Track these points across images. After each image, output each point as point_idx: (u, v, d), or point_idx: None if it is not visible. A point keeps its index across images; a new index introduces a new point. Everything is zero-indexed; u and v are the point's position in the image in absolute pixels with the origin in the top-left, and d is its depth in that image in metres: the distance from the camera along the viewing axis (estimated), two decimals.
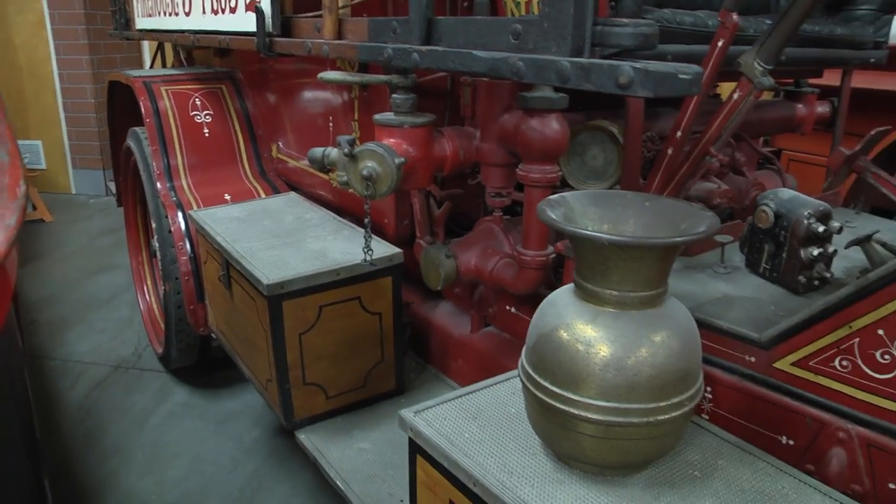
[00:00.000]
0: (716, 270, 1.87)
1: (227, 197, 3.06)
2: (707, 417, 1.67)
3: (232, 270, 2.33)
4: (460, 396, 1.54)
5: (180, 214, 2.98)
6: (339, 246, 2.31)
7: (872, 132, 1.51)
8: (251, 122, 3.35)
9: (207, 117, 3.28)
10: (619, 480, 1.28)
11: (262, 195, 3.09)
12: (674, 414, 1.19)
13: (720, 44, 1.56)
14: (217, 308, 2.68)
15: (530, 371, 1.28)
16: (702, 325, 1.64)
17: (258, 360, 2.29)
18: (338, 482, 2.02)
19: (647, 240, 1.14)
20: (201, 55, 3.93)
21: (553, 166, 1.73)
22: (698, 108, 1.67)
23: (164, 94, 3.27)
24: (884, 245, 1.73)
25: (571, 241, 1.25)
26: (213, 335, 2.90)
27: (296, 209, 2.72)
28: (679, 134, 1.64)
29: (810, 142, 3.38)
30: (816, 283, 1.75)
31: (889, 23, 2.54)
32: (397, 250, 2.24)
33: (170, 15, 3.42)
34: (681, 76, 1.13)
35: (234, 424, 3.19)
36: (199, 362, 3.46)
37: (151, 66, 5.11)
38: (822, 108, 2.67)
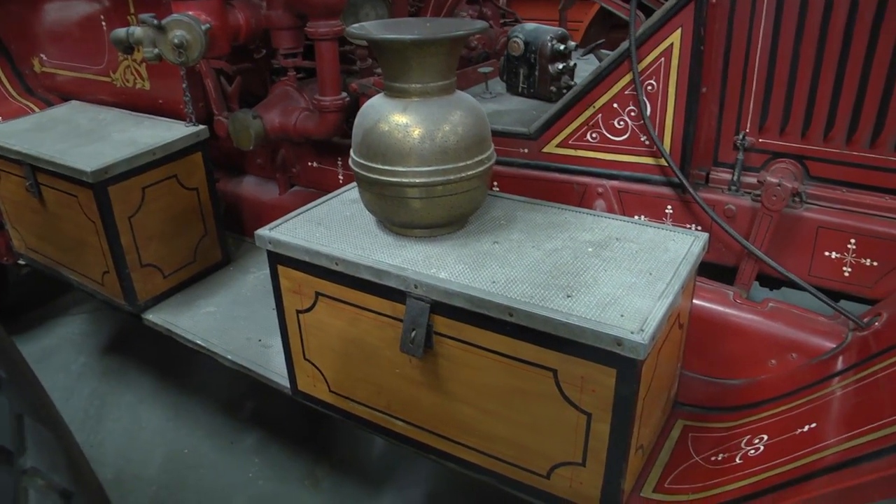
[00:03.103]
0: (483, 97, 2.29)
1: None
2: None
3: (41, 176, 2.35)
4: (302, 213, 1.83)
5: None
6: (146, 132, 2.41)
7: None
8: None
9: None
10: (447, 236, 1.66)
11: (38, 111, 3.01)
12: (479, 169, 1.58)
13: None
14: (25, 227, 2.65)
15: (361, 160, 1.60)
16: None
17: (89, 258, 2.37)
18: (198, 341, 2.22)
19: (439, 34, 1.49)
20: None
21: (336, 20, 2.02)
22: None
23: None
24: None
25: (379, 50, 1.56)
26: (21, 261, 2.85)
27: (86, 113, 2.74)
28: None
29: (544, 10, 3.95)
30: (565, 90, 2.23)
31: None
32: (202, 126, 2.41)
33: None
34: None
35: (57, 358, 3.18)
36: None
37: None
38: None
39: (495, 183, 2.09)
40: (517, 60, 2.19)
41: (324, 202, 1.88)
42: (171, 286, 2.44)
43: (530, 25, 2.19)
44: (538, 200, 1.82)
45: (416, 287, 1.50)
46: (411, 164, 1.54)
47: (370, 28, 1.62)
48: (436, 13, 2.04)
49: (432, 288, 1.47)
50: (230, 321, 2.30)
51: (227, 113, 2.40)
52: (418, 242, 1.64)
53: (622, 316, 1.34)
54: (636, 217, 1.98)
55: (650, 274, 1.47)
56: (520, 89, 2.24)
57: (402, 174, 1.54)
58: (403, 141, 1.53)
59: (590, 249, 1.57)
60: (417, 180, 1.54)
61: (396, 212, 1.62)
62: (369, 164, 1.58)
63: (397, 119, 1.54)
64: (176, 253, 2.42)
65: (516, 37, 2.17)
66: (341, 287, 1.65)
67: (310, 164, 2.41)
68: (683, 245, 1.59)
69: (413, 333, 1.53)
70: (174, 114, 2.57)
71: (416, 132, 1.53)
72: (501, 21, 3.01)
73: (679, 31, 1.78)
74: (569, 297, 1.40)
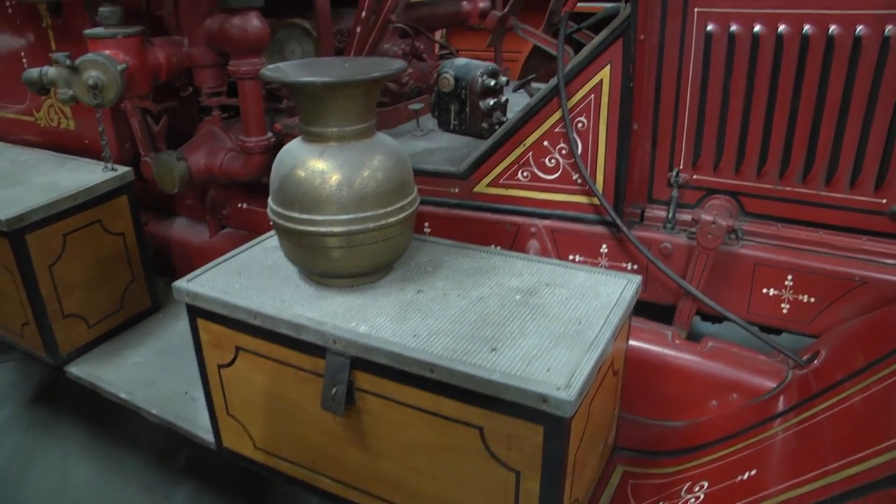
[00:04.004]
0: (414, 135, 2.24)
1: None
2: None
3: None
4: (222, 262, 1.74)
5: None
6: (68, 175, 2.31)
7: None
8: None
9: None
10: (369, 286, 1.59)
11: None
12: (401, 216, 1.52)
13: None
14: None
15: (278, 208, 1.52)
16: None
17: (7, 308, 2.24)
18: (122, 395, 2.11)
19: (354, 77, 1.43)
20: None
21: (259, 59, 1.95)
22: None
23: None
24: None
25: (293, 93, 1.50)
26: None
27: (6, 154, 2.62)
28: (363, 14, 1.95)
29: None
30: (497, 126, 2.19)
31: None
32: (127, 168, 2.31)
33: None
34: None
35: None
36: None
37: None
38: (484, 4, 3.16)
39: (426, 224, 2.02)
40: (448, 96, 2.15)
41: (246, 249, 1.79)
42: (96, 336, 2.32)
43: (461, 60, 2.14)
44: (466, 244, 1.76)
45: (335, 342, 1.42)
46: (329, 212, 1.47)
47: (286, 69, 1.56)
48: (360, 50, 1.99)
49: (352, 343, 1.40)
50: (157, 372, 2.19)
51: (153, 154, 2.31)
52: (340, 293, 1.56)
53: (548, 370, 1.27)
54: (571, 256, 1.93)
55: (580, 323, 1.42)
56: (451, 126, 2.19)
57: (320, 223, 1.47)
58: (321, 188, 1.46)
59: (517, 297, 1.51)
60: (336, 229, 1.47)
61: (316, 262, 1.54)
62: (286, 212, 1.51)
63: (314, 165, 1.47)
64: (101, 301, 2.31)
65: (446, 72, 2.12)
66: (261, 341, 1.57)
67: (240, 205, 2.33)
68: (616, 289, 1.54)
69: (334, 390, 1.45)
70: (100, 151, 2.47)
71: (334, 178, 1.46)
72: (439, 54, 2.97)
73: (608, 67, 1.75)
74: (493, 350, 1.33)
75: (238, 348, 1.63)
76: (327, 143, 1.49)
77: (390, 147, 1.54)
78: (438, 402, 1.35)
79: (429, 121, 2.28)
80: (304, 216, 1.48)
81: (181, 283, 1.65)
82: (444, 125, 2.22)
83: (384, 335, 1.39)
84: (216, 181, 2.22)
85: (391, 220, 1.50)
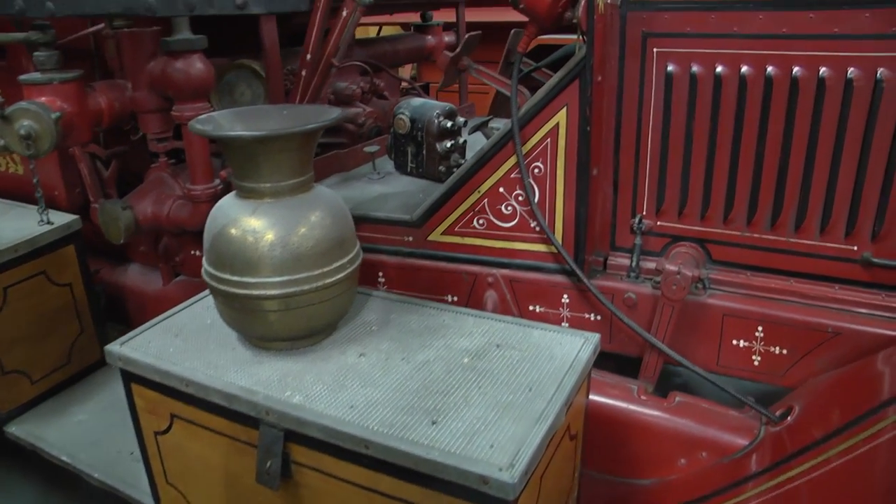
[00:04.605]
0: (370, 178, 2.15)
1: None
2: None
3: None
4: (161, 321, 1.64)
5: None
6: (11, 224, 2.21)
7: (466, 36, 1.87)
8: None
9: None
10: (309, 349, 1.49)
11: None
12: (340, 276, 1.43)
13: None
14: None
15: (212, 270, 1.43)
16: (362, 219, 1.92)
17: None
18: (63, 457, 2.00)
19: (284, 130, 1.34)
20: None
21: (204, 103, 1.87)
22: (335, 30, 1.89)
23: None
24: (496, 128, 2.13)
25: (223, 146, 1.41)
26: None
27: None
28: (308, 56, 1.87)
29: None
30: (455, 169, 2.10)
31: None
32: (74, 216, 2.22)
33: None
34: None
35: None
36: None
37: None
38: (449, 38, 3.10)
39: (380, 274, 1.93)
40: (404, 138, 2.06)
41: (186, 307, 1.70)
42: (40, 392, 2.21)
43: (417, 101, 2.06)
44: (416, 299, 1.66)
45: (268, 414, 1.32)
46: (263, 273, 1.37)
47: (218, 120, 1.47)
48: (304, 94, 1.90)
49: (284, 416, 1.30)
50: (103, 430, 2.08)
51: (103, 200, 2.22)
52: (277, 357, 1.47)
53: (492, 447, 1.17)
54: (531, 307, 1.84)
55: (530, 390, 1.32)
56: (409, 169, 2.10)
57: (253, 286, 1.38)
58: (254, 248, 1.37)
59: (465, 360, 1.41)
60: (271, 292, 1.37)
61: (251, 325, 1.45)
62: (218, 273, 1.41)
63: (247, 223, 1.38)
64: (46, 355, 2.21)
65: (402, 113, 2.04)
66: (196, 409, 1.46)
67: (193, 252, 2.23)
68: (572, 349, 1.44)
69: (269, 464, 1.34)
70: (51, 201, 2.38)
71: (268, 237, 1.36)
72: (405, 90, 2.90)
73: (564, 110, 1.67)
74: (434, 423, 1.23)
75: (173, 416, 1.53)
76: (261, 199, 1.40)
77: (329, 201, 1.45)
78: (377, 478, 1.25)
79: (387, 163, 2.20)
80: (237, 278, 1.38)
81: (114, 347, 1.55)
82: (401, 168, 2.13)
83: (319, 407, 1.29)
84: (164, 230, 2.13)
85: (330, 280, 1.41)
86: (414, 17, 3.14)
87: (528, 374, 1.37)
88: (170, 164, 2.10)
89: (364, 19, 2.37)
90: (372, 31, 3.87)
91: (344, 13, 1.82)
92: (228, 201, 1.44)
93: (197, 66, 1.82)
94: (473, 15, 3.21)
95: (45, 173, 2.34)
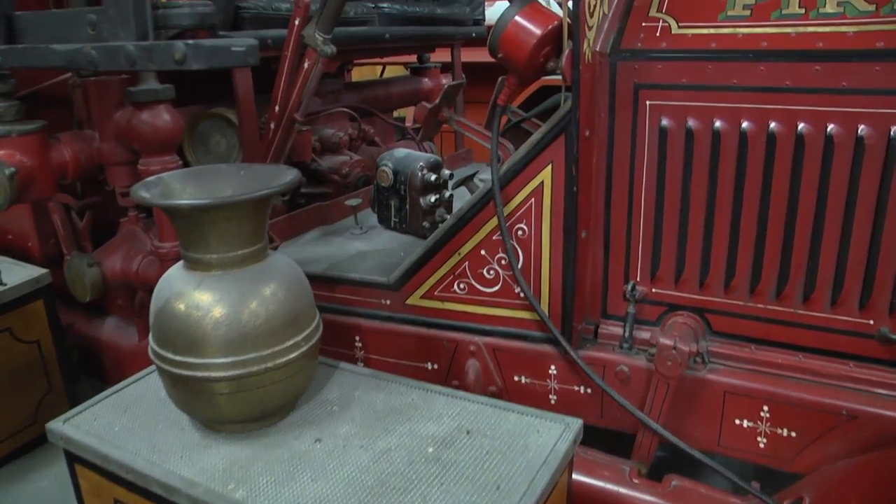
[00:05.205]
0: (352, 233, 2.03)
1: None
2: (361, 364, 1.82)
3: None
4: (112, 394, 1.53)
5: None
6: None
7: (446, 86, 1.75)
8: None
9: None
10: (262, 432, 1.36)
11: None
12: (292, 355, 1.30)
13: (297, 22, 1.70)
14: None
15: (155, 347, 1.31)
16: (338, 280, 1.79)
17: None
18: None
19: (228, 199, 1.22)
20: None
21: (171, 156, 1.76)
22: (297, 83, 1.79)
23: None
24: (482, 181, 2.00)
25: (167, 214, 1.29)
26: None
27: None
28: (277, 108, 1.76)
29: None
30: (440, 225, 1.97)
31: (482, 3, 2.91)
32: (43, 271, 2.12)
33: None
34: (234, 49, 1.22)
35: None
36: None
37: None
38: (446, 80, 2.98)
39: (357, 338, 1.80)
40: (387, 191, 1.94)
41: (140, 379, 1.58)
42: (4, 454, 2.10)
43: (401, 152, 1.94)
44: (385, 375, 1.52)
45: None
46: (208, 353, 1.25)
47: (168, 181, 1.36)
48: (268, 149, 1.78)
49: None
50: (63, 499, 1.95)
51: (77, 252, 2.12)
52: (227, 441, 1.33)
53: None
54: (516, 378, 1.70)
55: (497, 488, 1.17)
56: (392, 223, 1.98)
57: (198, 367, 1.25)
58: (198, 325, 1.24)
59: (430, 450, 1.27)
60: (217, 374, 1.25)
61: (198, 408, 1.32)
62: (162, 351, 1.29)
63: (191, 297, 1.26)
64: (9, 416, 2.09)
65: (385, 165, 1.92)
66: (139, 497, 1.33)
67: None
68: (549, 439, 1.30)
69: None
70: (24, 251, 2.29)
71: (214, 314, 1.24)
72: (402, 134, 2.79)
73: (549, 167, 1.54)
74: None
75: (117, 501, 1.40)
76: (207, 271, 1.28)
77: (284, 273, 1.33)
78: None
79: (371, 215, 2.08)
80: (179, 357, 1.26)
81: (55, 425, 1.43)
82: (384, 222, 2.01)
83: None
84: (133, 287, 2.02)
85: (283, 360, 1.28)
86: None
87: (497, 468, 1.22)
88: (141, 217, 2.00)
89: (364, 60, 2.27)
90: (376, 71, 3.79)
91: (306, 65, 1.71)
92: (175, 272, 1.32)
93: (164, 117, 1.72)
94: (472, 55, 3.10)
95: (17, 224, 2.26)
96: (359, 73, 4.35)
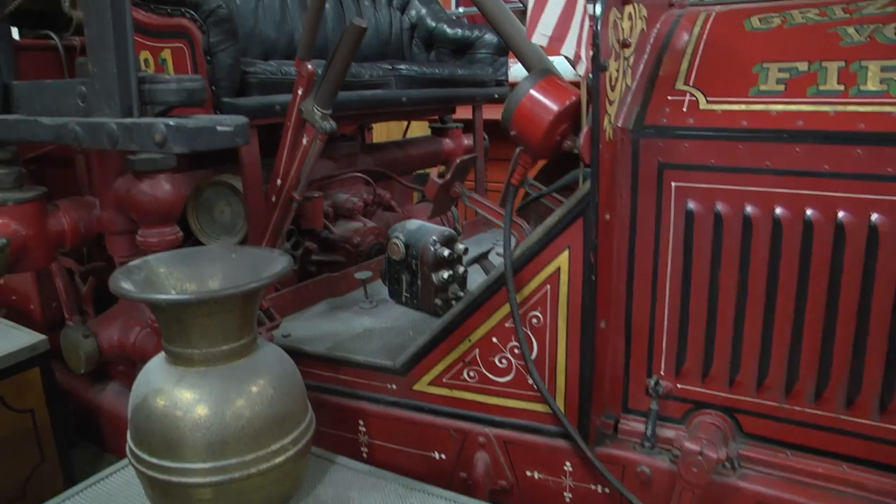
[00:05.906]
0: (361, 306, 1.93)
1: None
2: (365, 450, 1.71)
3: None
4: (90, 486, 1.43)
5: None
6: None
7: (458, 161, 1.67)
8: None
9: None
10: None
11: None
12: (278, 460, 1.19)
13: (300, 91, 1.63)
14: None
15: (132, 446, 1.22)
16: (342, 362, 1.68)
17: None
18: None
19: (209, 294, 1.13)
20: None
21: (171, 228, 1.68)
22: (299, 154, 1.70)
23: None
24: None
25: (147, 305, 1.21)
26: None
27: None
28: (279, 182, 1.68)
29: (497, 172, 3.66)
30: (453, 303, 1.86)
31: (505, 63, 2.84)
32: (41, 337, 2.04)
33: None
34: (219, 129, 1.14)
35: None
36: None
37: None
38: (468, 141, 2.90)
39: (361, 422, 1.69)
40: (398, 265, 1.84)
41: (123, 468, 1.48)
42: None
43: (413, 223, 1.85)
44: (384, 473, 1.40)
45: None
46: (186, 457, 1.15)
47: (153, 265, 1.27)
48: (266, 227, 1.70)
49: None
50: None
51: (78, 318, 2.05)
52: None
53: None
54: (529, 473, 1.57)
55: None
56: (403, 298, 1.88)
57: (174, 471, 1.15)
58: (175, 426, 1.14)
59: None
60: (193, 480, 1.14)
61: None
62: (138, 451, 1.19)
63: (170, 394, 1.16)
64: None
65: (396, 238, 1.82)
66: None
67: None
68: None
69: None
70: (26, 314, 2.22)
71: (193, 414, 1.14)
72: (419, 200, 2.70)
73: (566, 252, 1.43)
74: None
75: None
76: (189, 366, 1.18)
77: (274, 368, 1.23)
78: None
79: (383, 286, 1.98)
80: (156, 461, 1.16)
81: None
82: (395, 296, 1.91)
83: None
84: (131, 360, 1.94)
85: (269, 464, 1.18)
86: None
87: None
88: None
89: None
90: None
91: (304, 141, 1.63)
92: (155, 365, 1.23)
93: (164, 187, 1.65)
94: (495, 112, 3.02)
95: (21, 286, 2.20)
96: (385, 128, 4.30)
